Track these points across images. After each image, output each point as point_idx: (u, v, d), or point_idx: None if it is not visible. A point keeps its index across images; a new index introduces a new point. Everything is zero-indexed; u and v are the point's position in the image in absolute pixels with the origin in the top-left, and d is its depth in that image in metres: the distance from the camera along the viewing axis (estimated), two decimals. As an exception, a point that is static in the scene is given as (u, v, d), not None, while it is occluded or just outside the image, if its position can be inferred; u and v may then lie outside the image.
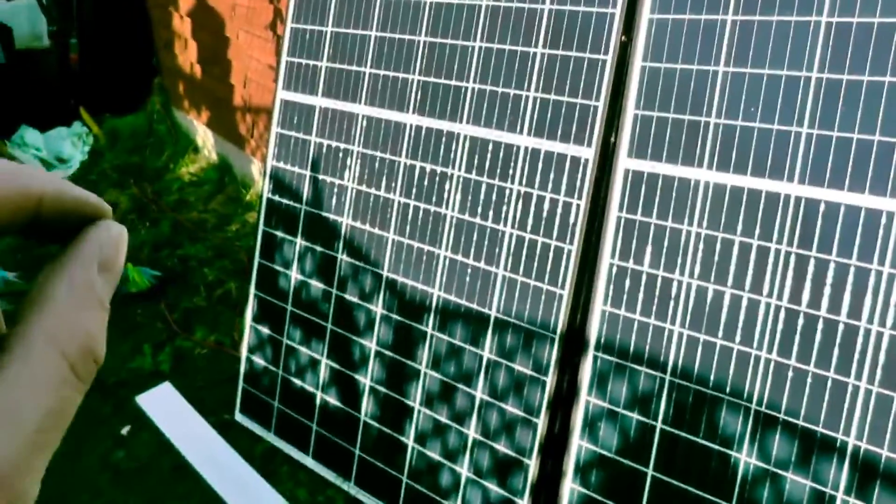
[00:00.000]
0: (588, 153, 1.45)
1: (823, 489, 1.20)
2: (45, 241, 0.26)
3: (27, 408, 0.22)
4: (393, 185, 1.72)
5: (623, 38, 1.43)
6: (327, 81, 1.86)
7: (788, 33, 1.26)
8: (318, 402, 1.87)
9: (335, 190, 1.83)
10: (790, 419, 1.23)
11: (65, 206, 0.25)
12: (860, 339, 1.18)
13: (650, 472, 1.36)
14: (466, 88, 1.61)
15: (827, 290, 1.21)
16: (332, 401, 1.83)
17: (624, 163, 1.41)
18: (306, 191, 1.89)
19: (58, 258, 0.25)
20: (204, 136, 4.01)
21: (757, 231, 1.27)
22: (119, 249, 0.26)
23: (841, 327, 1.19)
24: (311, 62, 1.90)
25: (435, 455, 1.64)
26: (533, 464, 1.50)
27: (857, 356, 1.18)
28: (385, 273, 1.73)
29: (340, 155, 1.82)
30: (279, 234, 1.95)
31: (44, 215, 0.25)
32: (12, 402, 0.21)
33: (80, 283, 0.24)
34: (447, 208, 1.63)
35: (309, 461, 1.89)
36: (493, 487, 1.55)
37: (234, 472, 2.01)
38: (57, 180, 0.25)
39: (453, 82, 1.63)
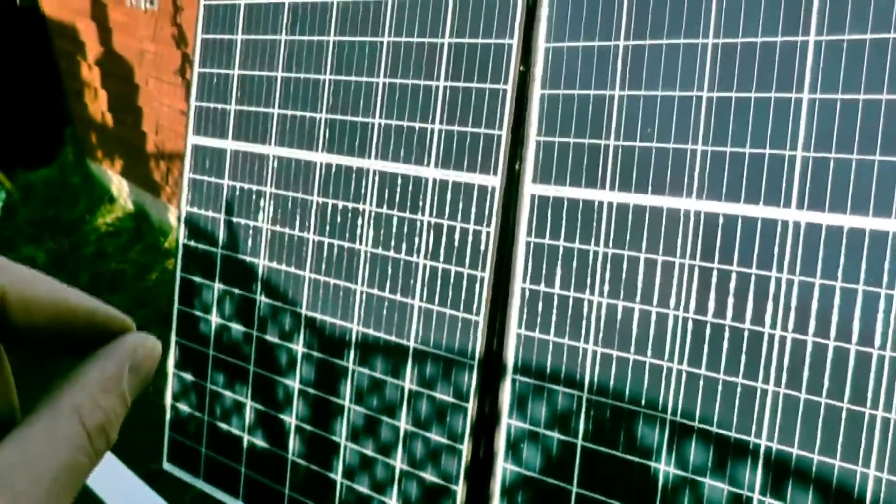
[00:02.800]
0: (494, 181, 1.48)
1: (740, 491, 1.24)
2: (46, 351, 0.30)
3: (45, 459, 0.24)
4: (307, 223, 1.73)
5: (521, 67, 1.47)
6: (236, 124, 1.87)
7: (678, 56, 1.30)
8: (245, 444, 1.85)
9: (250, 232, 1.83)
10: (704, 426, 1.27)
11: (64, 314, 0.28)
12: (765, 344, 1.22)
13: (574, 488, 1.38)
14: (373, 124, 1.63)
15: (730, 300, 1.25)
16: (259, 442, 1.82)
17: (529, 189, 1.44)
18: (222, 234, 1.89)
19: (97, 352, 0.28)
20: (119, 186, 3.97)
21: (661, 247, 1.31)
22: (151, 357, 0.29)
23: (746, 334, 1.23)
24: (220, 106, 1.91)
25: (364, 489, 1.64)
26: (460, 490, 1.51)
27: (762, 361, 1.22)
28: (304, 311, 1.73)
29: (253, 197, 1.83)
30: (197, 279, 1.94)
31: (17, 316, 0.27)
32: (33, 453, 0.24)
33: (110, 373, 0.27)
34: (361, 244, 1.64)
35: (240, 505, 1.88)
36: (423, 517, 1.56)
37: (164, 523, 1.98)
38: (53, 285, 0.28)
39: (360, 119, 1.65)
